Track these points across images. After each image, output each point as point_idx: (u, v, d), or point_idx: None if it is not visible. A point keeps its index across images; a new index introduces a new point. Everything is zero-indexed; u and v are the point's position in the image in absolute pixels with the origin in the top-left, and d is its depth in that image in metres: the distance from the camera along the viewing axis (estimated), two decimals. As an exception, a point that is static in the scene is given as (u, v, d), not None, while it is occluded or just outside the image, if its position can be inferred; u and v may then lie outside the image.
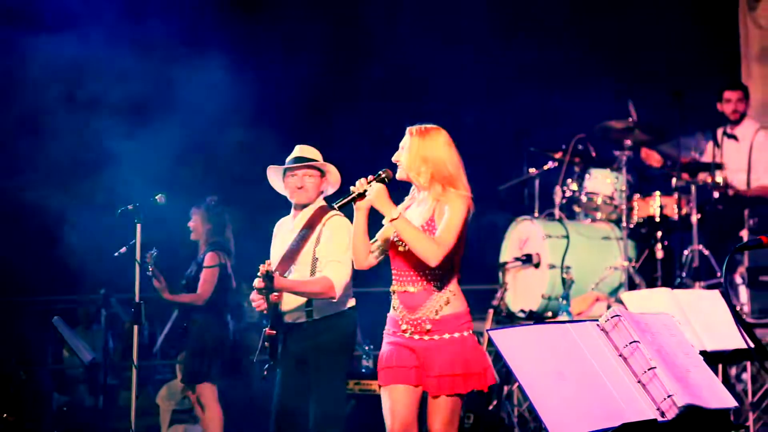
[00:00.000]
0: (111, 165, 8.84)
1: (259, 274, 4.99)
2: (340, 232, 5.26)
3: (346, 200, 4.60)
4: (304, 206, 5.45)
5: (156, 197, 6.11)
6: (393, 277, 4.69)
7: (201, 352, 7.26)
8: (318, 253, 5.27)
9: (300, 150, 5.48)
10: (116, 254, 6.29)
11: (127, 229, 6.13)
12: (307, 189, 5.41)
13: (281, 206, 5.61)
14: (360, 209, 4.62)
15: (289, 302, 5.29)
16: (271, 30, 10.99)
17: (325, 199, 5.53)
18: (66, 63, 8.89)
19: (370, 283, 6.80)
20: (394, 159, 4.67)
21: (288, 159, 5.48)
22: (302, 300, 5.29)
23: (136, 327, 6.08)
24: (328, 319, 5.32)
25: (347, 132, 10.79)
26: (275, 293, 5.10)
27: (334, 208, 5.12)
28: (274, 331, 5.19)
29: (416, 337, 4.56)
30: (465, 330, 4.56)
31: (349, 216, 4.91)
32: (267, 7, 11.22)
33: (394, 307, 4.67)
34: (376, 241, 4.76)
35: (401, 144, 4.68)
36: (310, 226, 5.37)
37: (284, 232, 5.54)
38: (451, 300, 4.57)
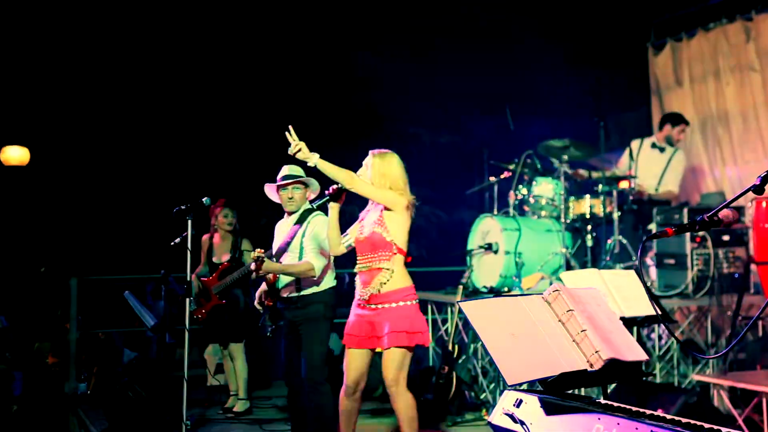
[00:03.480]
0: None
1: (252, 258, 5.28)
2: (320, 228, 5.49)
3: (321, 201, 5.06)
4: (295, 210, 5.72)
5: (203, 199, 6.09)
6: (357, 260, 4.99)
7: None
8: (304, 243, 5.51)
9: (288, 169, 5.72)
10: (172, 243, 6.26)
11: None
12: (296, 199, 5.69)
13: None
14: (333, 208, 5.01)
15: (284, 281, 5.59)
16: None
17: (310, 202, 5.78)
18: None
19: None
20: (358, 174, 4.94)
21: (279, 176, 5.74)
22: (293, 279, 5.54)
23: (187, 299, 6.08)
24: (314, 294, 5.54)
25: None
26: (269, 274, 5.46)
27: (313, 208, 5.61)
28: (271, 302, 5.59)
29: (371, 306, 4.85)
30: (408, 300, 4.82)
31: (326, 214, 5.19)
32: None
33: (356, 285, 4.98)
34: (347, 234, 5.10)
35: (364, 162, 5.01)
36: (299, 223, 5.62)
37: (282, 229, 5.79)
38: (391, 278, 4.81)
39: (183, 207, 6.05)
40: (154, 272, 7.88)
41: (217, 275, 7.37)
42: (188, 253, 6.03)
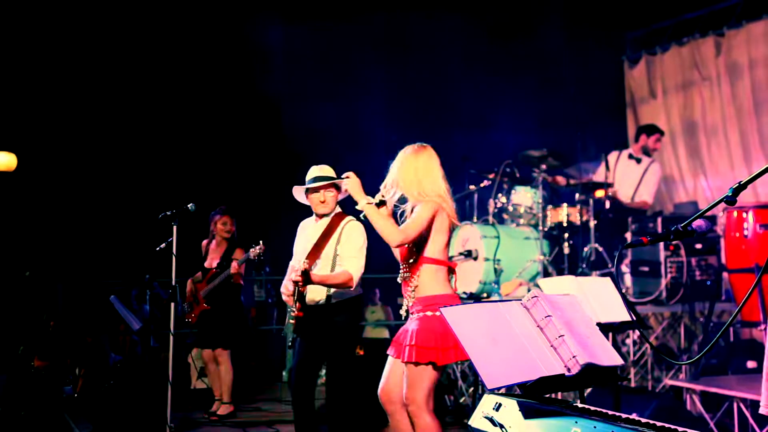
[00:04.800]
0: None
1: (298, 271, 4.82)
2: (355, 234, 5.14)
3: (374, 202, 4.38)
4: (327, 214, 5.32)
5: (188, 206, 6.07)
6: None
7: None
8: (339, 250, 5.12)
9: (319, 170, 5.28)
10: (158, 248, 6.25)
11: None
12: (328, 202, 5.25)
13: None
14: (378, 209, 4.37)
15: (312, 289, 5.14)
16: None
17: (340, 205, 5.38)
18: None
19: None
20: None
21: (308, 178, 5.29)
22: (322, 287, 5.14)
23: (172, 304, 6.05)
24: (340, 303, 5.19)
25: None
26: (304, 285, 4.91)
27: (355, 216, 5.08)
28: (302, 313, 4.91)
29: (409, 315, 4.39)
30: (437, 311, 4.12)
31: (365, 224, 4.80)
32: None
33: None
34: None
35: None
36: (330, 229, 5.22)
37: (308, 232, 5.36)
38: (419, 286, 4.31)
39: (168, 213, 6.04)
40: (139, 277, 7.86)
41: (206, 280, 7.39)
42: (173, 258, 6.02)
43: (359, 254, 5.07)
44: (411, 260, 4.36)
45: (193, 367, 8.09)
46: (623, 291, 7.64)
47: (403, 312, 4.46)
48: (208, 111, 11.36)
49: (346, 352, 5.23)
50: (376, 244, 4.83)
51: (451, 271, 4.40)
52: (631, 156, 8.88)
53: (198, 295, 7.36)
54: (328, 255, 5.15)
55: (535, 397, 3.11)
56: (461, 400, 7.44)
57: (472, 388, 7.48)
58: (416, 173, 4.36)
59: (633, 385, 7.26)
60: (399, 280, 4.45)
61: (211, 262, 7.49)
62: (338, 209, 5.34)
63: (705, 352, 2.82)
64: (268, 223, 10.32)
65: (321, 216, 5.31)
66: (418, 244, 4.32)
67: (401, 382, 4.34)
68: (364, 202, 4.33)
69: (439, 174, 4.41)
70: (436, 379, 4.24)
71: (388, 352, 4.48)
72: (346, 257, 5.07)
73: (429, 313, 4.23)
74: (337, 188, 5.27)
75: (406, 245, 4.33)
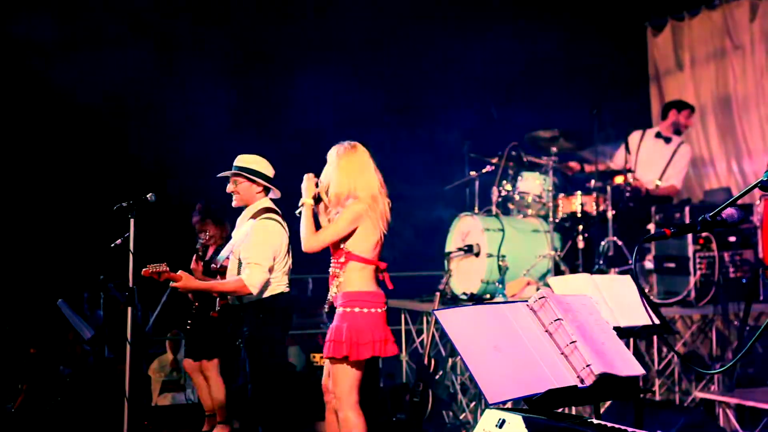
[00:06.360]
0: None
1: (144, 274, 5.28)
2: (258, 235, 5.33)
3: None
4: (246, 207, 5.59)
5: (147, 196, 6.02)
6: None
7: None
8: (242, 254, 5.35)
9: (239, 159, 5.60)
10: (113, 245, 6.21)
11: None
12: (241, 194, 5.55)
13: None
14: (308, 207, 5.08)
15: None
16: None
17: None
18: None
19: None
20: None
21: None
22: None
23: (129, 308, 6.01)
24: (260, 302, 5.38)
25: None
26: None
27: (272, 209, 5.51)
28: (216, 314, 5.60)
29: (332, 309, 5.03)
30: (356, 307, 4.89)
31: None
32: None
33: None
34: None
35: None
36: (248, 223, 5.48)
37: (238, 229, 5.64)
38: (344, 282, 4.95)
39: (124, 204, 5.99)
40: (92, 278, 7.81)
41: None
42: (131, 255, 5.98)
43: (261, 258, 5.26)
44: (340, 257, 4.98)
45: (154, 381, 8.06)
46: (645, 290, 7.63)
47: (326, 307, 5.09)
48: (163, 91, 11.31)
49: (262, 360, 5.39)
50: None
51: (379, 270, 5.04)
52: (658, 135, 8.88)
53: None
54: (236, 256, 5.44)
55: (544, 412, 3.10)
56: (461, 417, 7.44)
57: (473, 403, 7.48)
58: (348, 175, 4.99)
59: (657, 398, 7.27)
60: (330, 272, 5.07)
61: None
62: (264, 204, 5.55)
63: (739, 358, 2.81)
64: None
65: (243, 209, 5.62)
66: (347, 241, 4.96)
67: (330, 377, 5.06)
68: (304, 200, 5.04)
69: (372, 172, 5.05)
70: (356, 374, 4.91)
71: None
72: (246, 264, 5.30)
73: (348, 309, 4.90)
74: (251, 180, 5.53)
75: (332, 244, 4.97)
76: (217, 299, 5.72)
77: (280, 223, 5.46)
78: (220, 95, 10.50)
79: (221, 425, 7.30)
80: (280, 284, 5.46)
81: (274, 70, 11.11)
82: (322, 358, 5.23)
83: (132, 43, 10.11)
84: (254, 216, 5.49)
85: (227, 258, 5.62)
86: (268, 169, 5.64)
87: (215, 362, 7.33)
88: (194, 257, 6.99)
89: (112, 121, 10.79)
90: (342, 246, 4.97)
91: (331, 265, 5.05)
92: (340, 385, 4.90)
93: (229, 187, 5.58)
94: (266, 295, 5.39)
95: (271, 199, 5.69)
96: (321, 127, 9.88)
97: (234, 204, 5.62)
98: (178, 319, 7.44)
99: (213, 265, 5.68)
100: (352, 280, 4.95)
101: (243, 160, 5.60)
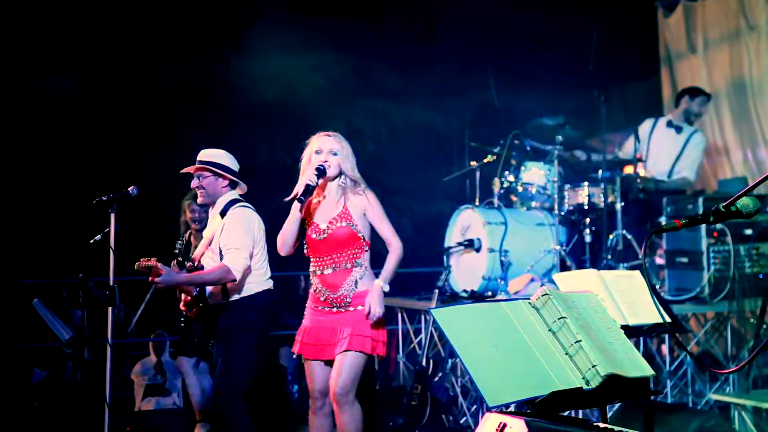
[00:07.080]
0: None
1: (137, 267, 5.31)
2: (235, 222, 5.43)
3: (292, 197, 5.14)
4: (215, 202, 5.63)
5: (128, 189, 6.03)
6: (312, 263, 5.21)
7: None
8: (221, 242, 5.43)
9: (202, 153, 5.64)
10: (92, 241, 6.20)
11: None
12: (204, 187, 5.59)
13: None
14: (295, 208, 5.17)
15: (209, 288, 5.55)
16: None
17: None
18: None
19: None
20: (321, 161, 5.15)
21: None
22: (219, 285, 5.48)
23: (110, 308, 6.01)
24: (243, 299, 5.49)
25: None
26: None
27: (240, 200, 5.59)
28: (194, 314, 5.60)
29: (335, 310, 5.11)
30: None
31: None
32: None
33: (315, 289, 5.18)
34: None
35: (325, 148, 5.17)
36: (218, 219, 5.54)
37: (209, 226, 5.73)
38: (364, 277, 5.14)
39: (104, 198, 5.99)
40: (70, 276, 7.81)
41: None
42: (111, 252, 5.98)
43: (240, 244, 5.37)
44: (358, 248, 5.16)
45: (137, 385, 8.06)
46: (656, 287, 7.64)
47: (326, 305, 5.18)
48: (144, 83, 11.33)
49: (236, 360, 5.45)
50: (375, 243, 5.27)
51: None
52: (670, 124, 8.88)
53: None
54: (216, 248, 5.49)
55: (548, 415, 3.10)
56: (461, 421, 7.45)
57: (474, 406, 7.49)
58: (352, 160, 5.21)
59: (669, 401, 7.28)
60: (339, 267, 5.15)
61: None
62: (232, 196, 5.62)
63: (754, 356, 2.81)
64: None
65: (212, 204, 5.66)
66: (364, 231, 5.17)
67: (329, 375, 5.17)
68: (308, 183, 5.06)
69: None
70: (307, 372, 5.19)
71: (306, 355, 5.26)
72: (227, 249, 5.39)
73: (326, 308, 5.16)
74: (216, 174, 5.57)
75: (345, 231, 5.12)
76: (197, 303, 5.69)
77: (254, 211, 5.56)
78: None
79: (200, 423, 7.30)
80: (261, 281, 5.57)
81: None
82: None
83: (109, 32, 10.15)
84: (225, 208, 5.55)
85: (202, 254, 5.64)
86: (233, 164, 5.68)
87: (191, 360, 7.31)
88: (173, 262, 6.97)
89: (90, 113, 10.80)
90: (360, 236, 5.16)
91: (341, 259, 5.16)
92: (351, 376, 5.02)
93: (194, 183, 5.61)
94: (247, 293, 5.50)
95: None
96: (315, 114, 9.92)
97: (199, 200, 5.67)
98: (163, 319, 7.41)
99: (188, 263, 5.68)
100: (369, 271, 5.19)
101: (207, 155, 5.64)
